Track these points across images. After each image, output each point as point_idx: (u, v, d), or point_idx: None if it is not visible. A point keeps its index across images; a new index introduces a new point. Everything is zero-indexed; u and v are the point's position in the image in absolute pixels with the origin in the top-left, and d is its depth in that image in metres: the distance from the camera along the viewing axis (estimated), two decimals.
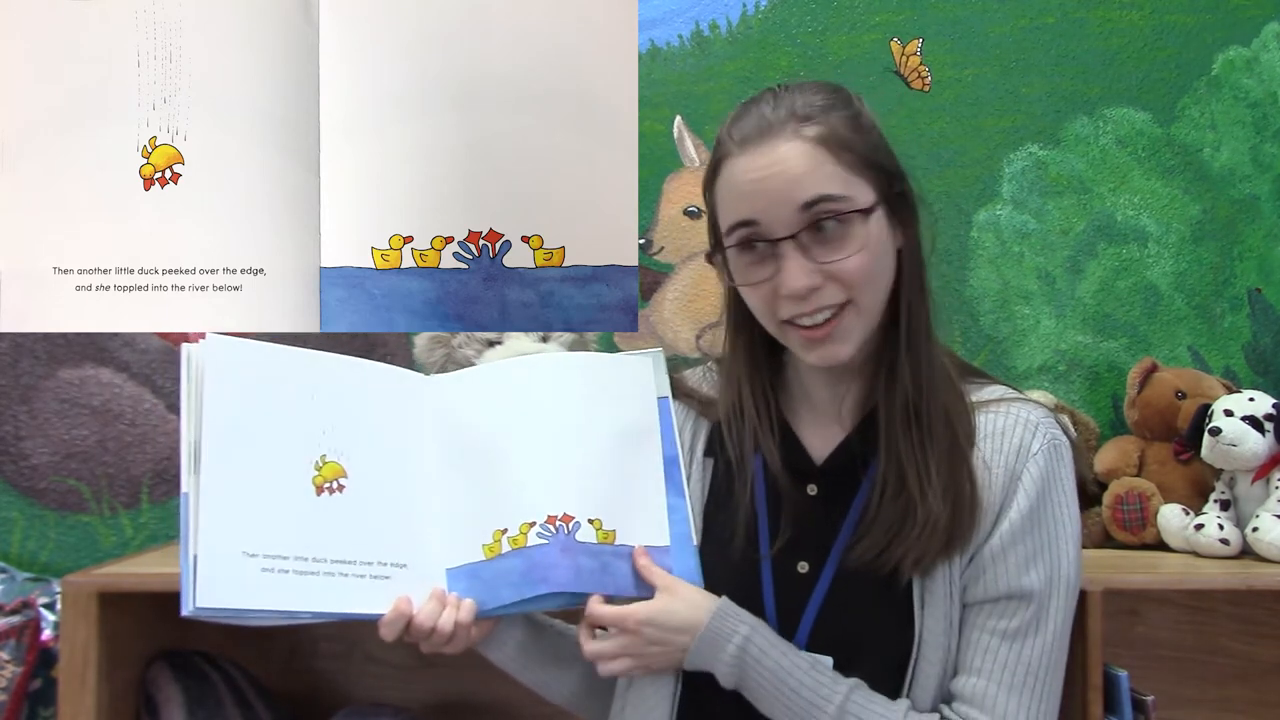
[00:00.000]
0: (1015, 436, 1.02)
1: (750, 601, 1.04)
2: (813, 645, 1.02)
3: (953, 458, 1.01)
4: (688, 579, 1.05)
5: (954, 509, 0.99)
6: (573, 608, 1.06)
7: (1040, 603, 0.99)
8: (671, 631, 1.01)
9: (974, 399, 1.06)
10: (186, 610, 0.90)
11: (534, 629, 1.13)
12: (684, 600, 1.02)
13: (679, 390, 1.17)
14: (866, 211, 0.98)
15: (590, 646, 1.04)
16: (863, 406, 1.07)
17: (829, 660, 1.01)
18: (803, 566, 1.04)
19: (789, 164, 0.97)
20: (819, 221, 0.96)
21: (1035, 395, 1.74)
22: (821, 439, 1.09)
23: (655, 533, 1.07)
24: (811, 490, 1.06)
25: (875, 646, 1.01)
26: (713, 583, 1.06)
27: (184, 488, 0.93)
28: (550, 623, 1.16)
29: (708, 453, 1.13)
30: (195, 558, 0.91)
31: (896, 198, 1.02)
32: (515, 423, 1.08)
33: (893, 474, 1.01)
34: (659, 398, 1.13)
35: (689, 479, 1.11)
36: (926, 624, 1.00)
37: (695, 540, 1.08)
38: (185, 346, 0.95)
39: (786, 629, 1.03)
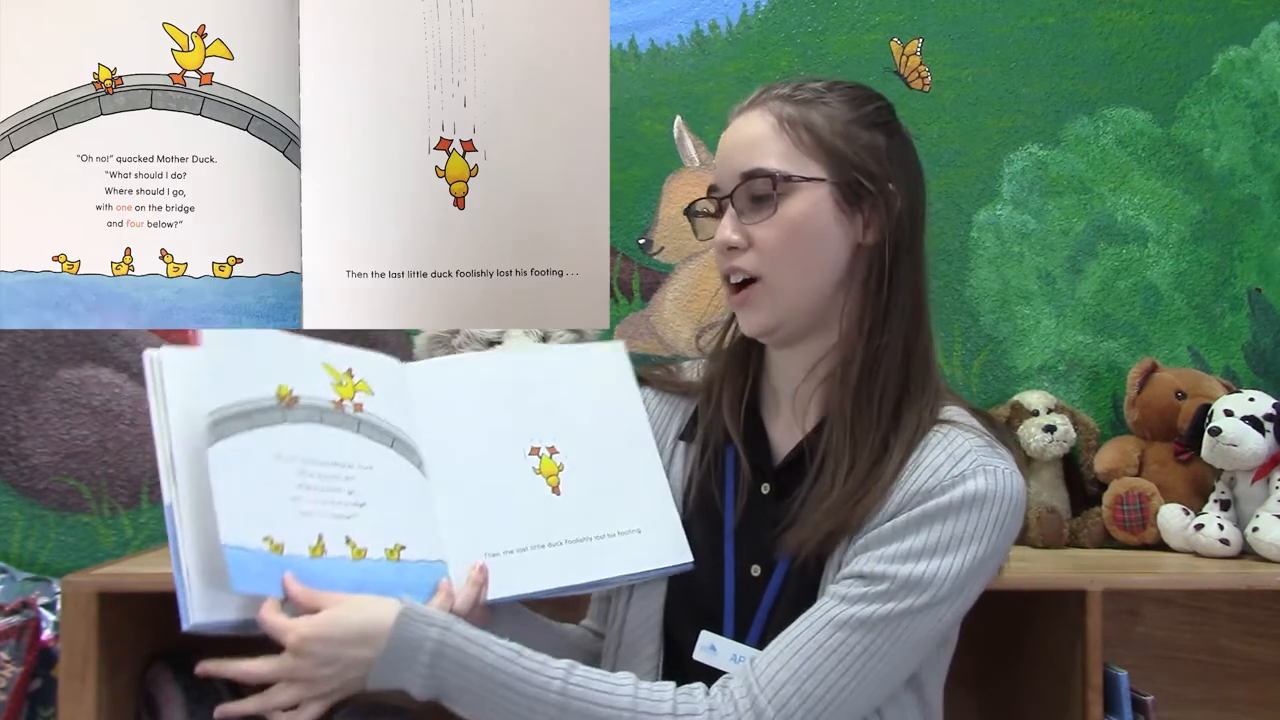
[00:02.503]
0: (944, 458, 0.97)
1: (713, 605, 1.03)
2: (762, 645, 1.00)
3: (876, 469, 0.97)
4: (676, 556, 1.05)
5: (853, 511, 0.96)
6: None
7: (891, 589, 0.92)
8: (344, 645, 0.87)
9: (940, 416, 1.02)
10: (186, 625, 0.86)
11: (522, 627, 1.10)
12: (356, 608, 0.89)
13: (656, 379, 1.17)
14: (794, 180, 0.98)
15: (238, 667, 0.88)
16: (823, 408, 1.05)
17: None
18: (755, 570, 1.03)
19: (745, 134, 1.02)
20: (755, 191, 0.99)
21: (1035, 395, 1.74)
22: (785, 438, 1.08)
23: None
24: (765, 489, 1.06)
25: None
26: (683, 585, 1.06)
27: (166, 499, 0.90)
28: (534, 617, 1.14)
29: (682, 436, 1.13)
30: (188, 571, 0.87)
31: (851, 187, 1.00)
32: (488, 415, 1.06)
33: (824, 475, 0.99)
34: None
35: (663, 461, 1.11)
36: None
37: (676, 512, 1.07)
38: (147, 353, 0.92)
39: (741, 631, 1.02)
